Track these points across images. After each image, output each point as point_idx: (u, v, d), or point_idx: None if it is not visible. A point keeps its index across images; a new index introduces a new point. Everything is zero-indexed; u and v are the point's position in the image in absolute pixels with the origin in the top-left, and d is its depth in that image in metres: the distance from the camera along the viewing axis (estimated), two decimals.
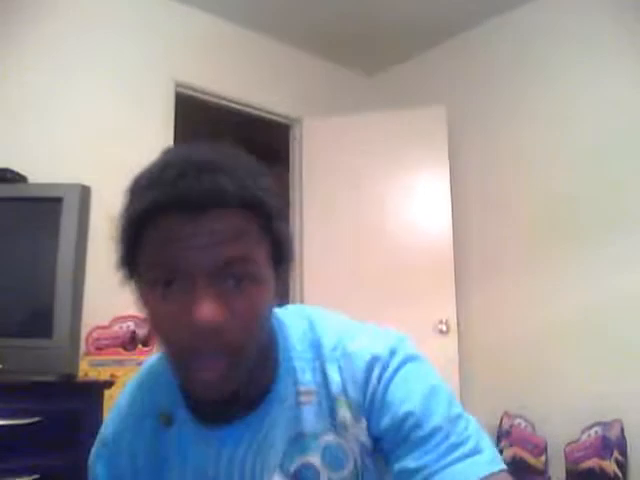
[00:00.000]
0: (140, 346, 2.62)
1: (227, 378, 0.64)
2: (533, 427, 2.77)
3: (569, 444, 2.58)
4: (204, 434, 0.75)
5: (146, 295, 0.66)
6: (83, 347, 2.42)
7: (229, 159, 0.67)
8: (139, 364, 2.70)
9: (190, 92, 3.26)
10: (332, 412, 0.73)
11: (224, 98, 3.38)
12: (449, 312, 3.20)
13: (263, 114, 3.57)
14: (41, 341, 1.99)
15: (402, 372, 0.71)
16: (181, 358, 0.64)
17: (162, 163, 0.66)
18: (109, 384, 2.12)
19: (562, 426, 2.69)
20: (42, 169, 2.46)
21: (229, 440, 0.74)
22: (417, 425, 0.67)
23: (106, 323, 2.59)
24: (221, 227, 0.62)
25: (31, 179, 2.36)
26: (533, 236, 3.07)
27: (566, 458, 2.58)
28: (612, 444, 2.47)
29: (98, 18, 2.91)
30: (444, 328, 3.16)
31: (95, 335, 2.53)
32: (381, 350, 0.72)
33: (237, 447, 0.74)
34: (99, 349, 2.52)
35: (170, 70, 3.15)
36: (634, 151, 2.74)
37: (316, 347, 0.76)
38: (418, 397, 0.69)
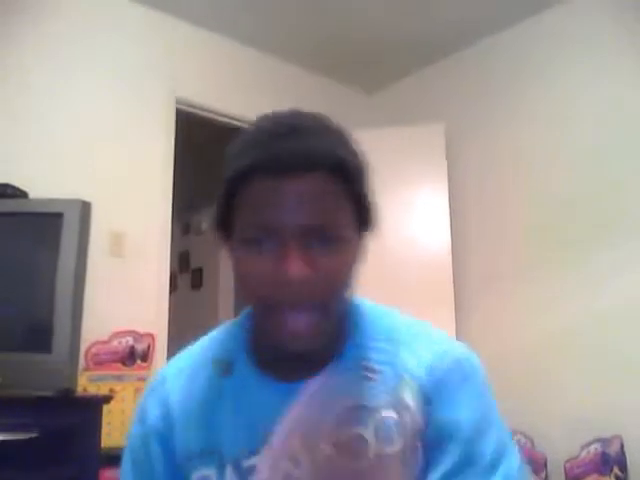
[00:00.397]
0: (139, 361, 2.63)
1: (316, 330, 0.68)
2: (532, 443, 2.76)
3: (569, 460, 2.57)
4: (268, 385, 0.76)
5: (239, 253, 0.70)
6: (82, 362, 2.42)
7: (318, 123, 0.71)
8: (138, 379, 2.73)
9: (191, 109, 3.29)
10: (395, 390, 0.74)
11: (224, 115, 3.41)
12: (448, 326, 3.20)
13: None
14: (40, 356, 1.99)
15: (474, 380, 0.75)
16: (271, 311, 0.68)
17: (255, 128, 0.71)
18: (108, 399, 2.12)
19: (561, 442, 2.68)
20: (43, 185, 2.48)
21: (292, 395, 0.75)
22: (466, 441, 0.71)
23: (105, 338, 2.59)
24: (309, 189, 0.66)
25: (32, 195, 2.38)
26: (531, 250, 3.08)
27: (566, 474, 2.56)
28: (612, 460, 2.46)
29: (99, 36, 2.94)
30: None
31: (94, 350, 2.53)
32: (459, 349, 0.77)
33: (296, 404, 0.75)
34: (98, 364, 2.52)
35: (171, 87, 3.18)
36: (634, 153, 2.75)
37: (390, 329, 0.79)
38: (476, 415, 0.72)
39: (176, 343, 3.40)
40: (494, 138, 3.36)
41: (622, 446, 2.48)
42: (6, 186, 2.29)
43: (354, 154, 0.72)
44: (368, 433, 0.74)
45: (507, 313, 3.14)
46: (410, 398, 0.74)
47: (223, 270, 4.53)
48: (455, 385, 0.74)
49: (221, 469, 0.75)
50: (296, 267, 0.64)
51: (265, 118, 0.74)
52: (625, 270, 2.70)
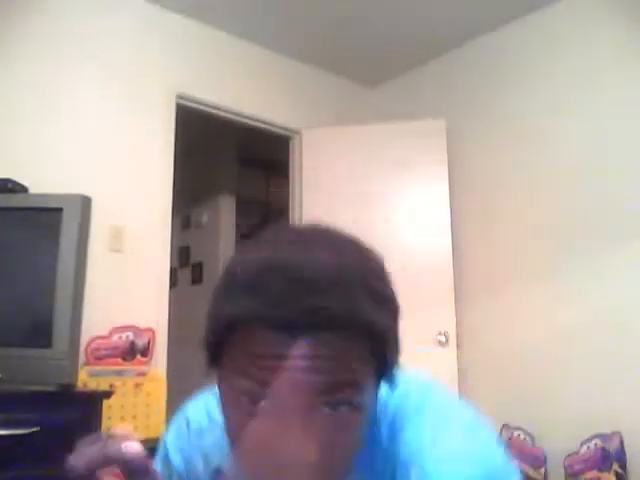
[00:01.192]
0: (139, 356, 2.63)
1: None
2: (532, 439, 2.77)
3: (568, 456, 2.58)
4: None
5: (229, 403, 0.58)
6: (82, 357, 2.42)
7: (344, 268, 0.56)
8: (138, 374, 2.72)
9: (191, 104, 3.28)
10: None
11: (225, 110, 3.40)
12: (448, 324, 3.21)
13: (264, 126, 3.59)
14: (40, 351, 2.00)
15: None
16: None
17: (264, 263, 0.56)
18: (108, 394, 2.12)
19: (561, 438, 2.68)
20: (43, 180, 2.48)
21: None
22: None
23: (105, 333, 2.59)
24: (324, 352, 0.54)
25: (32, 189, 2.38)
26: (533, 249, 3.07)
27: (565, 470, 2.57)
28: (612, 456, 2.46)
29: (99, 30, 2.93)
30: (443, 339, 3.17)
31: (94, 345, 2.53)
32: None
33: None
34: (98, 359, 2.52)
35: (171, 82, 3.17)
36: (635, 162, 2.75)
37: (397, 445, 0.65)
38: None
39: (176, 338, 3.41)
40: (495, 134, 3.35)
41: (622, 442, 2.49)
42: (7, 181, 2.29)
43: (385, 304, 0.59)
44: None
45: (508, 313, 3.13)
46: None
47: (223, 265, 4.51)
48: None
49: None
50: (297, 449, 0.53)
51: (277, 244, 0.59)
52: (624, 272, 2.70)
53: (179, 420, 0.79)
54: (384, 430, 0.67)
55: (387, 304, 0.59)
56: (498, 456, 0.62)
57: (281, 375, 0.54)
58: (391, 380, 0.62)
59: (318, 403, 0.54)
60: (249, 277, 0.56)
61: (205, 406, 0.77)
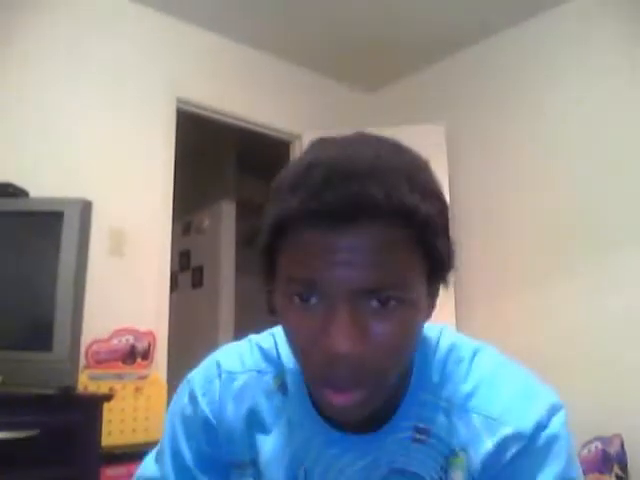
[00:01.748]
0: (139, 360, 2.63)
1: (362, 406, 0.58)
2: None
3: None
4: (317, 423, 0.69)
5: (283, 306, 0.60)
6: (83, 360, 2.42)
7: (382, 159, 0.57)
8: (138, 378, 2.72)
9: (191, 108, 3.29)
10: (445, 463, 0.66)
11: (225, 114, 3.41)
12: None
13: (263, 130, 3.60)
14: (41, 354, 2.00)
15: (541, 455, 0.62)
16: (315, 378, 0.59)
17: (306, 163, 0.58)
18: (108, 397, 2.12)
19: None
20: (44, 184, 2.48)
21: (338, 445, 0.68)
22: None
23: (106, 336, 2.59)
24: (368, 242, 0.55)
25: (32, 194, 2.38)
26: (534, 253, 3.07)
27: None
28: (612, 459, 2.46)
29: (100, 33, 2.95)
30: None
31: (95, 348, 2.54)
32: (526, 425, 0.63)
33: (341, 456, 0.68)
34: (98, 362, 2.52)
35: (172, 86, 3.18)
36: (635, 168, 2.75)
37: (453, 385, 0.67)
38: None
39: (177, 342, 3.41)
40: (495, 139, 3.36)
41: (622, 445, 2.48)
42: (7, 185, 2.30)
43: (428, 194, 0.59)
44: None
45: (508, 318, 3.13)
46: (459, 477, 0.65)
47: (224, 269, 4.53)
48: (516, 467, 0.63)
49: None
50: (345, 340, 0.54)
51: (319, 149, 0.61)
52: (624, 276, 2.70)
53: (209, 364, 0.78)
54: (435, 369, 0.69)
55: (431, 195, 0.60)
56: (545, 402, 0.65)
57: (327, 270, 0.55)
58: (444, 278, 0.63)
59: (365, 297, 0.55)
60: (293, 178, 0.58)
61: (238, 352, 0.77)
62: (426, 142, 3.46)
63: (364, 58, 3.69)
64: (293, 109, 3.66)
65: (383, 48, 3.57)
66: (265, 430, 0.72)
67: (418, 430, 0.67)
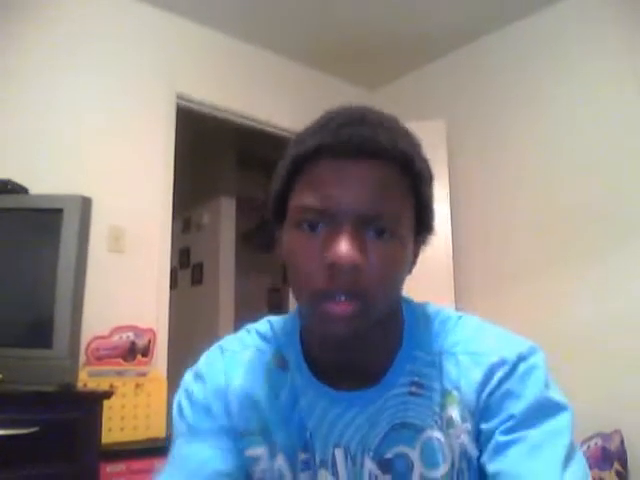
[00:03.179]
0: (139, 357, 2.63)
1: (356, 317, 0.65)
2: None
3: None
4: (317, 387, 0.75)
5: (291, 235, 0.68)
6: (83, 357, 2.42)
7: (389, 119, 0.71)
8: (139, 374, 2.72)
9: (191, 105, 3.28)
10: (441, 407, 0.72)
11: (225, 111, 3.40)
12: None
13: (263, 127, 3.59)
14: (41, 351, 2.00)
15: (524, 379, 0.70)
16: (314, 296, 0.65)
17: (326, 115, 0.71)
18: (108, 394, 2.12)
19: None
20: (43, 180, 2.48)
21: (339, 404, 0.74)
22: (510, 430, 0.67)
23: (106, 333, 2.59)
24: (373, 177, 0.65)
25: (32, 190, 2.38)
26: (534, 249, 3.07)
27: None
28: (612, 455, 2.46)
29: (100, 30, 2.94)
30: None
31: (94, 345, 2.53)
32: (509, 354, 0.72)
33: (344, 414, 0.74)
34: (98, 359, 2.52)
35: (171, 83, 3.17)
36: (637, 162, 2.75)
37: (441, 339, 0.76)
38: (525, 404, 0.68)
39: (177, 339, 3.40)
40: (496, 135, 3.35)
41: (623, 441, 2.48)
42: (6, 182, 2.29)
43: (422, 157, 0.71)
44: (414, 454, 0.72)
45: (508, 313, 3.13)
46: (456, 415, 0.72)
47: (223, 266, 4.53)
48: (504, 392, 0.70)
49: (273, 453, 0.76)
50: (347, 250, 0.62)
51: (336, 109, 0.73)
52: (627, 272, 2.70)
53: (210, 350, 0.84)
54: (424, 329, 0.77)
55: (424, 160, 0.72)
56: (525, 342, 0.75)
57: (337, 196, 0.64)
58: (425, 232, 0.73)
59: (366, 224, 0.64)
60: (312, 127, 0.71)
61: (236, 337, 0.84)
62: (427, 139, 3.43)
63: (365, 55, 3.68)
64: (293, 106, 3.65)
65: (384, 45, 3.56)
66: (270, 401, 0.77)
67: (414, 384, 0.73)
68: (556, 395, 0.71)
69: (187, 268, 4.88)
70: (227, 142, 4.70)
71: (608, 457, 2.46)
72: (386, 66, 3.82)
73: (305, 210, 0.66)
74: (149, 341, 2.69)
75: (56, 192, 2.27)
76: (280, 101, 3.62)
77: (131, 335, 2.64)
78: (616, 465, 2.43)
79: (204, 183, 4.84)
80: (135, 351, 2.61)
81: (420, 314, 0.78)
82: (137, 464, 2.19)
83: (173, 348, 2.98)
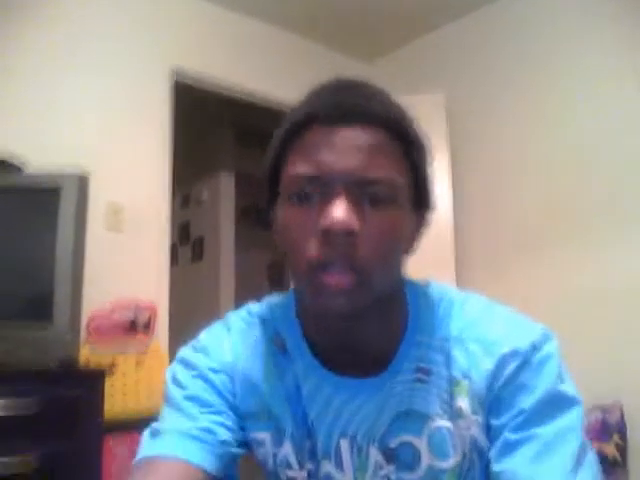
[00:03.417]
0: (140, 333, 2.63)
1: (354, 292, 0.61)
2: None
3: None
4: (320, 372, 0.72)
5: (285, 209, 0.65)
6: (84, 334, 2.43)
7: (383, 92, 0.69)
8: (140, 351, 2.73)
9: (188, 79, 3.24)
10: (450, 396, 0.69)
11: (223, 85, 3.36)
12: None
13: (260, 100, 3.55)
14: (42, 328, 2.00)
15: (537, 371, 0.67)
16: (310, 268, 0.62)
17: (318, 86, 0.70)
18: (110, 371, 2.13)
19: None
20: (40, 158, 2.45)
21: (344, 390, 0.71)
22: (520, 427, 0.64)
23: (106, 310, 2.59)
24: (366, 142, 0.62)
25: (29, 169, 2.36)
26: (535, 224, 3.06)
27: None
28: (612, 428, 2.48)
29: (97, 5, 2.89)
30: None
31: (96, 322, 2.54)
32: (522, 344, 0.67)
33: (350, 401, 0.70)
34: (100, 336, 2.52)
35: (168, 57, 3.13)
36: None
37: (446, 324, 0.72)
38: (536, 397, 0.65)
39: (178, 315, 3.41)
40: (496, 109, 3.31)
41: (622, 414, 2.50)
42: (3, 160, 2.27)
43: (415, 129, 0.69)
44: (421, 443, 0.68)
45: (508, 287, 3.13)
46: (466, 406, 0.68)
47: (223, 242, 4.52)
48: (517, 385, 0.66)
49: (279, 440, 0.73)
50: (341, 213, 0.59)
51: (331, 80, 0.71)
52: (628, 248, 2.69)
53: (215, 326, 0.80)
54: (429, 312, 0.73)
55: (417, 130, 0.69)
56: (537, 328, 0.71)
57: (329, 162, 0.62)
58: (424, 204, 0.70)
59: (360, 189, 0.62)
60: (306, 97, 0.70)
61: (243, 317, 0.80)
62: (425, 112, 3.41)
63: (363, 26, 3.62)
64: (290, 79, 3.60)
65: (381, 16, 3.50)
66: (276, 385, 0.74)
67: (420, 370, 0.70)
68: (568, 388, 0.69)
69: (187, 244, 4.87)
70: (225, 118, 4.66)
71: (607, 429, 2.47)
72: (385, 37, 3.76)
73: (298, 179, 0.63)
74: (150, 317, 2.69)
75: (53, 170, 2.24)
76: (277, 74, 3.57)
77: (132, 311, 2.64)
78: (615, 437, 2.45)
79: (203, 159, 4.81)
80: (136, 327, 2.62)
81: (424, 296, 0.74)
82: (139, 438, 2.20)
83: (174, 324, 2.99)
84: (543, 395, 0.65)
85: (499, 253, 3.22)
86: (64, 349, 2.00)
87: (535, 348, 0.67)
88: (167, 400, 0.75)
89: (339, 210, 0.59)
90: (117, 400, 2.38)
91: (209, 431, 0.70)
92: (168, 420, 0.72)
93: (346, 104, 0.63)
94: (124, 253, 2.81)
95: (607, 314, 2.70)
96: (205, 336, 0.79)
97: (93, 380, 2.03)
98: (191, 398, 0.72)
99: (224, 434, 0.70)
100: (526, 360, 0.66)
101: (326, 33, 3.70)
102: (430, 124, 3.62)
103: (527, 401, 0.65)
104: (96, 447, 1.99)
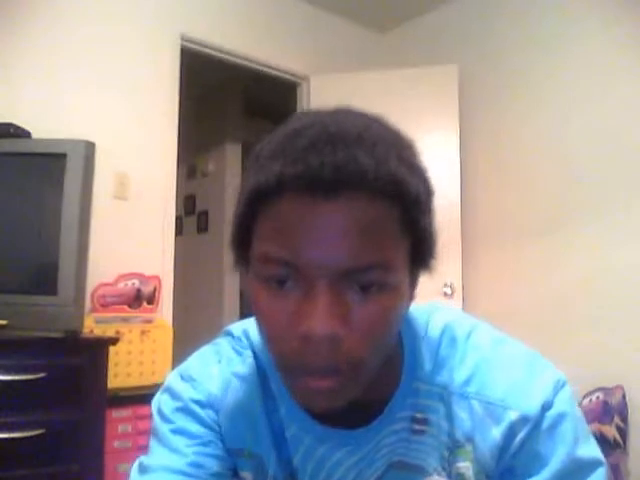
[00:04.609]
0: (145, 304, 2.64)
1: (337, 394, 0.54)
2: None
3: None
4: (302, 420, 0.66)
5: (256, 289, 0.55)
6: (88, 304, 2.43)
7: (372, 129, 0.54)
8: (144, 321, 2.73)
9: (197, 47, 3.19)
10: (449, 454, 0.62)
11: (230, 53, 3.31)
12: (455, 275, 3.19)
13: (269, 71, 3.50)
14: (46, 298, 2.00)
15: (551, 435, 0.59)
16: (288, 367, 0.55)
17: (291, 131, 0.53)
18: (114, 341, 2.13)
19: None
20: (46, 124, 2.44)
21: (327, 442, 0.65)
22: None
23: (111, 280, 2.59)
24: (351, 218, 0.50)
25: (35, 134, 2.34)
26: (542, 201, 3.03)
27: None
28: (613, 410, 2.49)
29: None
30: (449, 291, 3.16)
31: (100, 292, 2.54)
32: (531, 405, 0.60)
33: (333, 453, 0.65)
34: (104, 306, 2.53)
35: (177, 24, 3.07)
36: None
37: (448, 370, 0.64)
38: (552, 470, 0.58)
39: (182, 286, 3.41)
40: (508, 82, 3.26)
41: (624, 396, 2.50)
42: (9, 125, 2.25)
43: (416, 171, 0.55)
44: None
45: (514, 266, 3.11)
46: (469, 471, 0.62)
47: (229, 213, 4.49)
48: (528, 451, 0.59)
49: (261, 478, 0.68)
50: (323, 321, 0.50)
51: (304, 119, 0.55)
52: (630, 232, 2.66)
53: (206, 353, 0.75)
54: (428, 354, 0.65)
55: (419, 173, 0.56)
56: (548, 380, 0.62)
57: (306, 249, 0.50)
58: (427, 264, 0.58)
59: (346, 279, 0.51)
60: (276, 145, 0.53)
61: (235, 345, 0.74)
62: (437, 84, 3.41)
63: None
64: (301, 49, 3.55)
65: None
66: (263, 425, 0.68)
67: (416, 420, 0.63)
68: (587, 449, 0.60)
69: (192, 215, 4.86)
70: (233, 87, 4.60)
71: (609, 411, 2.48)
72: (398, 7, 3.68)
73: (269, 260, 0.52)
74: (155, 288, 2.69)
75: (59, 136, 2.22)
76: (288, 43, 3.52)
77: (137, 282, 2.64)
78: (616, 419, 2.46)
79: (209, 129, 4.77)
80: (141, 298, 2.62)
81: (423, 337, 0.66)
82: (143, 409, 2.22)
83: (179, 295, 2.99)
84: (560, 466, 0.58)
85: (507, 231, 3.19)
86: (68, 320, 2.00)
87: (546, 408, 0.60)
88: (154, 433, 0.71)
89: (320, 315, 0.50)
90: (121, 370, 2.40)
91: (198, 465, 0.66)
92: (156, 456, 0.68)
93: (326, 167, 0.49)
94: (130, 223, 2.80)
95: (610, 297, 2.68)
96: (194, 363, 0.73)
97: (97, 349, 2.04)
98: (177, 431, 0.68)
99: (215, 465, 0.67)
100: (537, 425, 0.59)
101: (340, 3, 3.63)
102: (442, 97, 3.58)
103: (543, 474, 0.58)
104: (100, 415, 2.01)
